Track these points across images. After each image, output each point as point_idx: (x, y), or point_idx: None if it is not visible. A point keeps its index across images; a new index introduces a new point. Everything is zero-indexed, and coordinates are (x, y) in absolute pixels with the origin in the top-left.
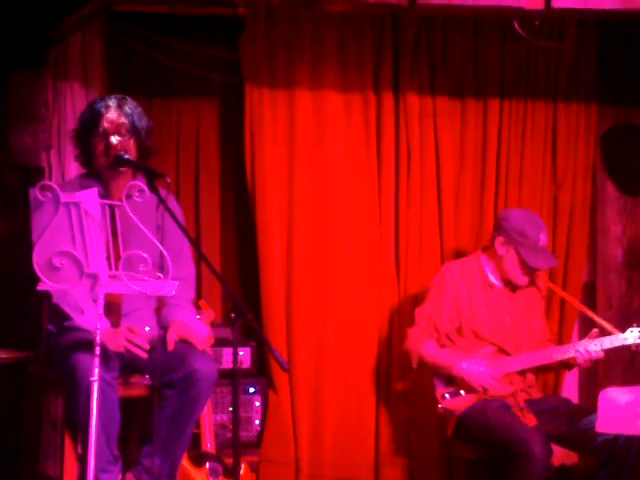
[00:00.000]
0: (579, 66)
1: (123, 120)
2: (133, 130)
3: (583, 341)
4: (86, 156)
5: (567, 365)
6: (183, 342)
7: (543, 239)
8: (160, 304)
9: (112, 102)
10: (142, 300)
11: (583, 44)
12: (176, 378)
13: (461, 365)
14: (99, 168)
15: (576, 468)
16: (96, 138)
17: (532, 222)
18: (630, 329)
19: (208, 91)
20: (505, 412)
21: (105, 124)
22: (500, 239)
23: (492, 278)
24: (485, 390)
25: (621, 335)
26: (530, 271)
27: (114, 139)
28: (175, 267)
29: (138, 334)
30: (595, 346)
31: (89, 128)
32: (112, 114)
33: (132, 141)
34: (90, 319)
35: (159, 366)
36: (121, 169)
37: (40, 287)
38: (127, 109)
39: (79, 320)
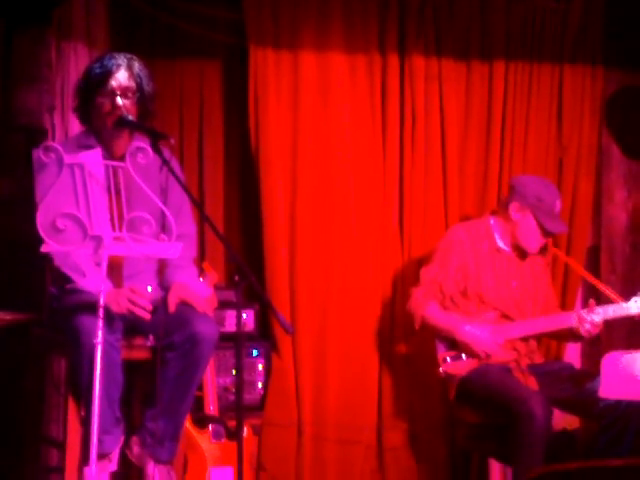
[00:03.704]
0: (586, 28)
1: (132, 82)
2: (139, 93)
3: (584, 311)
4: (85, 111)
5: (574, 335)
6: (184, 304)
7: (558, 205)
8: (162, 265)
9: (122, 62)
10: (144, 261)
11: (590, 6)
12: (177, 341)
13: (464, 329)
14: (99, 126)
15: (578, 433)
16: (102, 97)
17: (548, 188)
18: (634, 298)
19: (212, 52)
20: (506, 374)
21: (114, 84)
22: (516, 204)
23: (500, 242)
24: (488, 356)
25: (624, 304)
26: (544, 237)
27: (120, 100)
28: (176, 224)
29: (140, 295)
30: (598, 315)
31: (96, 85)
32: (122, 75)
33: (136, 104)
34: (92, 281)
35: (161, 328)
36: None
37: (44, 249)
38: (136, 70)
39: (81, 282)
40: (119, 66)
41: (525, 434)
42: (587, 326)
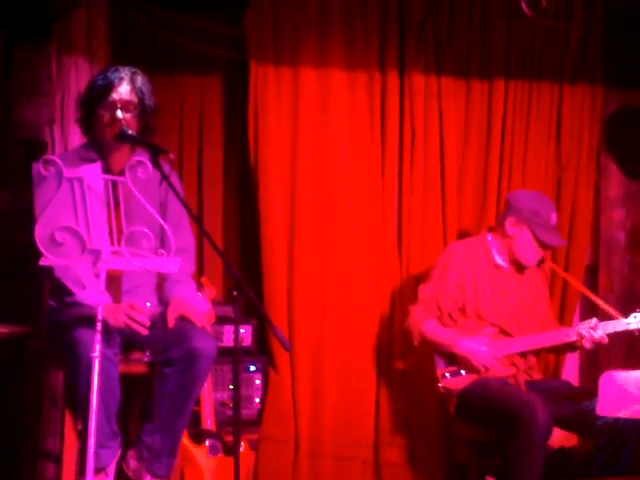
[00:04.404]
0: (585, 48)
1: (133, 96)
2: (141, 107)
3: (585, 325)
4: (87, 123)
5: (571, 347)
6: (183, 319)
7: (554, 218)
8: (161, 280)
9: (125, 75)
10: (143, 276)
11: (590, 26)
12: (175, 356)
13: (463, 343)
14: (100, 138)
15: (575, 450)
16: (103, 109)
17: (543, 202)
18: (633, 314)
19: (212, 67)
20: (505, 385)
21: (115, 97)
22: (511, 219)
23: (498, 259)
24: (486, 369)
25: (624, 320)
26: (541, 250)
27: (120, 113)
28: (175, 239)
29: (139, 310)
30: (598, 331)
31: (98, 97)
32: (124, 88)
33: (137, 118)
34: (91, 294)
35: (159, 343)
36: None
37: (43, 262)
38: (139, 85)
39: (80, 295)
40: (122, 79)
41: (527, 437)
42: (587, 344)
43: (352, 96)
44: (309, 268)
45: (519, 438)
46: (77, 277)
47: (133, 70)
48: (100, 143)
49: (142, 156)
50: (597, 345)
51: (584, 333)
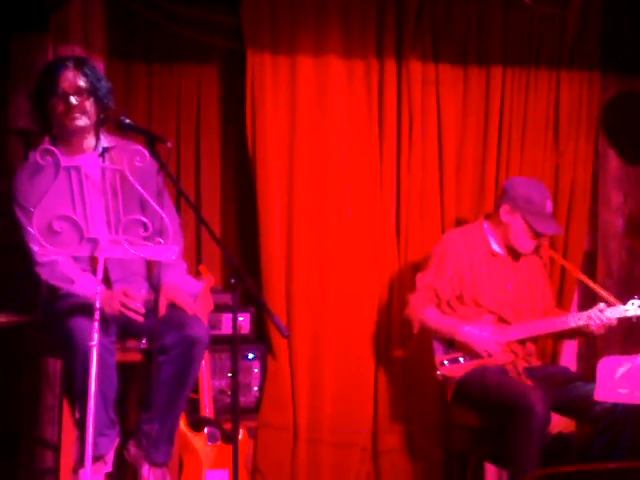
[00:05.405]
0: (583, 34)
1: (82, 80)
2: (92, 90)
3: (594, 310)
4: (43, 118)
5: (583, 333)
6: (174, 306)
7: (549, 206)
8: (151, 266)
9: (70, 63)
10: (134, 263)
11: (587, 12)
12: (168, 343)
13: (464, 329)
14: (60, 129)
15: (573, 436)
16: (55, 99)
17: (538, 189)
18: (631, 301)
19: (209, 56)
20: (503, 375)
21: (64, 85)
22: (506, 207)
23: (495, 246)
24: (489, 355)
25: (622, 307)
26: (536, 238)
27: (73, 99)
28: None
29: (132, 297)
30: (599, 315)
31: (47, 89)
32: (71, 75)
33: (91, 101)
34: (82, 286)
35: (155, 330)
36: (81, 125)
37: (39, 258)
38: (85, 69)
39: (72, 289)
40: (67, 67)
41: (524, 428)
42: (598, 329)
43: (349, 84)
44: (307, 256)
45: (517, 429)
46: (64, 274)
47: (77, 58)
48: (61, 134)
49: (113, 141)
50: (607, 329)
51: (593, 317)
